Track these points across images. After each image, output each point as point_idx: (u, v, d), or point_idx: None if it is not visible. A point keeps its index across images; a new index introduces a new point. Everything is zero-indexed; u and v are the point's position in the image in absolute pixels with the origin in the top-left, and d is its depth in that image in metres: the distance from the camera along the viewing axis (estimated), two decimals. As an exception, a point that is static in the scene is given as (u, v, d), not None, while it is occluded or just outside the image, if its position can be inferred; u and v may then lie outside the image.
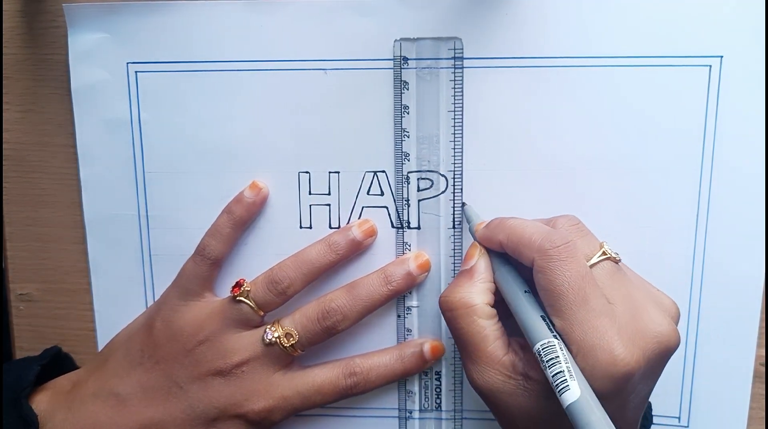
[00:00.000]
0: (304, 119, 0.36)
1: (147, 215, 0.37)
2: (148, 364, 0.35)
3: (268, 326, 0.35)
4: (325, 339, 0.35)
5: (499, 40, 0.34)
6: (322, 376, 0.35)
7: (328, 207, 0.37)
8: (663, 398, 0.37)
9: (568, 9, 0.34)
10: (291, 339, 0.34)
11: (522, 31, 0.34)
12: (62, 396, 0.35)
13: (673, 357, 0.36)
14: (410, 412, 0.38)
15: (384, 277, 0.35)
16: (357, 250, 0.36)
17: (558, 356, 0.27)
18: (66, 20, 0.35)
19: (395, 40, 0.34)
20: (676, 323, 0.30)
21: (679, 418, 0.37)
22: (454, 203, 0.36)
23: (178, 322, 0.35)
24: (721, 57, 0.34)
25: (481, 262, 0.32)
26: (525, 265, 0.30)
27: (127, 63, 0.36)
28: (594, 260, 0.30)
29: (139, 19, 0.35)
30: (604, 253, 0.30)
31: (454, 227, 0.36)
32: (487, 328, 0.30)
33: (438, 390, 0.37)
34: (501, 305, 0.31)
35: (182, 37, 0.35)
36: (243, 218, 0.36)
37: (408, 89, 0.35)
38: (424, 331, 0.37)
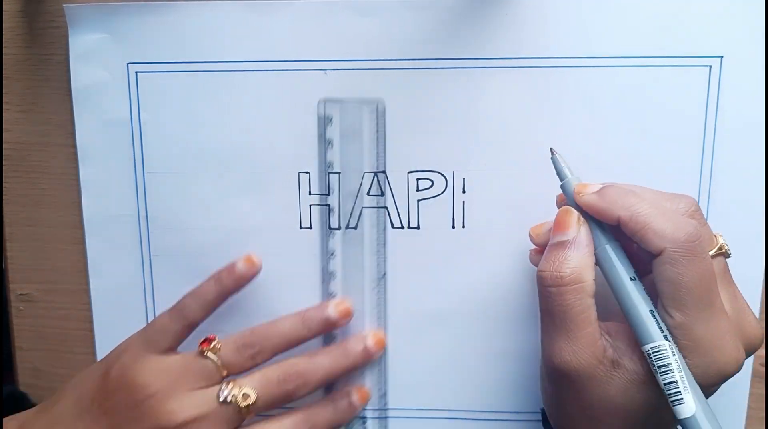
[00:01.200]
0: (304, 119, 0.36)
1: (147, 215, 0.37)
2: (96, 413, 0.33)
3: (225, 384, 0.33)
4: (282, 404, 0.34)
5: (499, 40, 0.34)
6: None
7: (328, 207, 0.37)
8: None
9: (568, 9, 0.34)
10: (248, 399, 0.33)
11: (522, 31, 0.34)
12: None
13: (673, 357, 0.36)
14: None
15: (344, 350, 0.36)
16: (330, 329, 0.36)
17: (671, 363, 0.27)
18: (66, 20, 0.35)
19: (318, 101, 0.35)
20: None
21: (679, 418, 0.37)
22: (453, 203, 0.36)
23: (133, 372, 0.33)
24: (721, 57, 0.34)
25: (583, 231, 0.29)
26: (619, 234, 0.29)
27: (128, 63, 0.36)
28: (711, 253, 0.29)
29: (139, 19, 0.35)
30: (720, 248, 0.29)
31: (454, 227, 0.36)
32: (591, 308, 0.28)
33: None
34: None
35: (182, 37, 0.35)
36: (229, 289, 0.35)
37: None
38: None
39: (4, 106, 0.37)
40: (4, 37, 0.37)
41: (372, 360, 0.37)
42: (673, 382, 0.26)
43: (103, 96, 0.36)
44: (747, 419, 0.37)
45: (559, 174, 0.31)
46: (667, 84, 0.34)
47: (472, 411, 0.38)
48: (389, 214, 0.36)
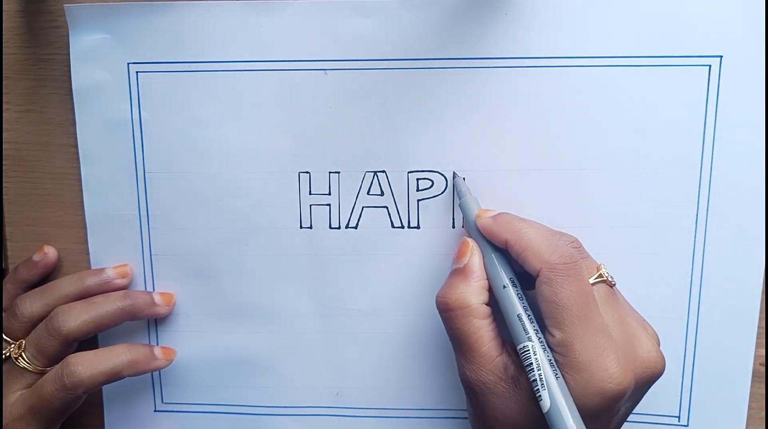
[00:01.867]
0: (304, 119, 0.36)
1: (147, 215, 0.37)
2: None
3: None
4: (55, 345, 0.35)
5: (499, 40, 0.34)
6: (42, 381, 0.35)
7: (328, 207, 0.37)
8: (663, 398, 0.37)
9: (568, 9, 0.34)
10: (21, 348, 0.35)
11: (522, 31, 0.34)
12: None
13: (672, 357, 0.37)
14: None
15: (124, 293, 0.36)
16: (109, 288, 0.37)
17: (532, 362, 0.28)
18: (67, 20, 0.35)
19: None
20: None
21: (678, 417, 0.37)
22: (453, 204, 0.36)
23: None
24: (721, 57, 0.34)
25: (474, 259, 0.32)
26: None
27: (128, 63, 0.36)
28: (591, 281, 0.30)
29: (139, 19, 0.35)
30: (600, 276, 0.31)
31: (454, 227, 0.36)
32: (483, 329, 0.30)
33: None
34: (495, 301, 0.31)
35: (182, 37, 0.35)
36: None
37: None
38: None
39: (4, 106, 0.37)
40: (4, 37, 0.37)
41: (154, 311, 0.37)
42: (534, 379, 0.28)
43: (103, 96, 0.36)
44: (747, 419, 0.37)
45: (459, 196, 0.34)
46: (667, 84, 0.34)
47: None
48: (389, 214, 0.36)
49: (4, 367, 0.35)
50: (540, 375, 0.28)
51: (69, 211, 0.38)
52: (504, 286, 0.30)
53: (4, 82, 0.37)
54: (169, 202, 0.37)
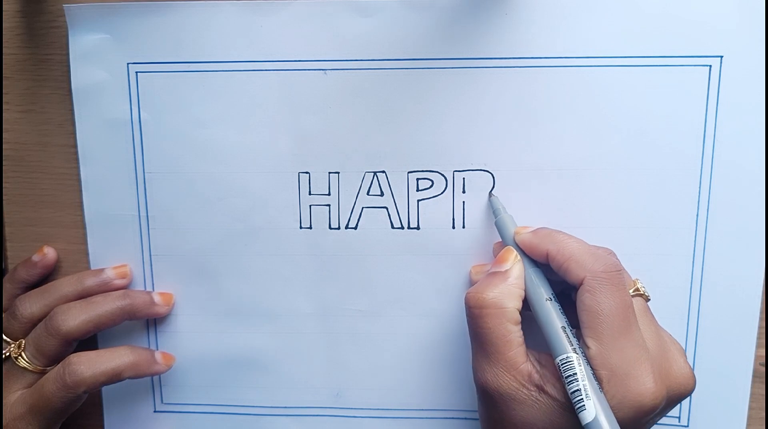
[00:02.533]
0: (304, 119, 0.36)
1: (147, 215, 0.37)
2: None
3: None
4: (55, 344, 0.35)
5: (499, 40, 0.34)
6: (44, 379, 0.35)
7: (328, 207, 0.37)
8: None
9: (567, 9, 0.34)
10: (21, 345, 0.35)
11: (522, 31, 0.34)
12: None
13: (673, 357, 0.36)
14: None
15: (123, 292, 0.36)
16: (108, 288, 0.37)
17: (576, 373, 0.28)
18: (66, 20, 0.35)
19: None
20: None
21: (679, 417, 0.37)
22: (453, 203, 0.36)
23: None
24: (721, 57, 0.34)
25: (516, 267, 0.31)
26: (552, 277, 0.31)
27: (128, 63, 0.36)
28: (630, 292, 0.30)
29: (139, 19, 0.35)
30: (637, 290, 0.31)
31: (453, 227, 0.36)
32: (513, 333, 0.30)
33: None
34: (524, 314, 0.31)
35: (182, 37, 0.35)
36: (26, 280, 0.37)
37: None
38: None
39: (4, 106, 0.37)
40: (4, 37, 0.37)
41: (155, 311, 0.37)
42: (577, 390, 0.27)
43: (103, 96, 0.36)
44: (747, 419, 0.37)
45: (495, 214, 0.35)
46: (667, 84, 0.34)
47: (471, 411, 0.38)
48: (389, 214, 0.36)
49: (4, 367, 0.35)
50: (585, 386, 0.27)
51: (68, 212, 0.38)
52: (548, 299, 0.30)
53: (4, 82, 0.37)
54: (169, 202, 0.37)
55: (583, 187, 0.35)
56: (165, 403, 0.39)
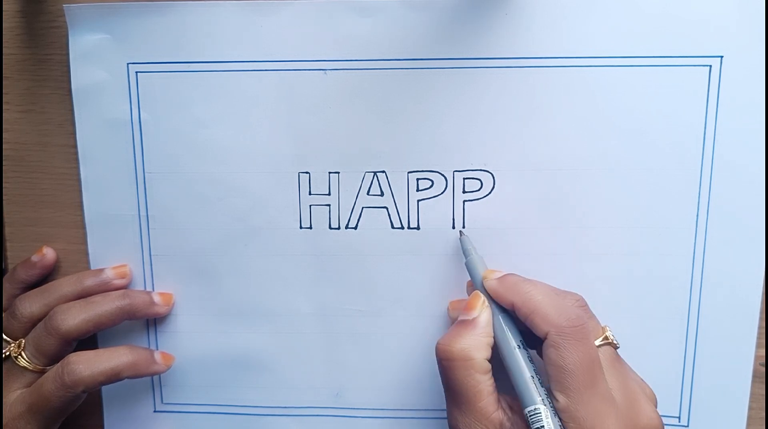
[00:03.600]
0: (304, 119, 0.36)
1: (147, 215, 0.37)
2: None
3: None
4: (54, 343, 0.35)
5: (499, 40, 0.34)
6: (43, 379, 0.34)
7: (328, 207, 0.37)
8: (663, 398, 0.37)
9: (567, 9, 0.34)
10: (20, 345, 0.35)
11: (521, 31, 0.34)
12: None
13: (672, 357, 0.37)
14: None
15: (123, 292, 0.36)
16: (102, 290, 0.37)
17: (543, 426, 0.28)
18: (66, 21, 0.35)
19: None
20: None
21: (679, 417, 0.37)
22: (453, 203, 0.36)
23: None
24: (721, 57, 0.34)
25: (483, 315, 0.31)
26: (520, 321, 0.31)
27: (128, 63, 0.36)
28: (597, 344, 0.30)
29: (139, 19, 0.35)
30: (606, 339, 0.31)
31: (454, 227, 0.36)
32: (482, 383, 0.30)
33: None
34: (494, 357, 0.31)
35: (182, 37, 0.35)
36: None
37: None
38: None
39: (4, 106, 0.37)
40: (4, 37, 0.37)
41: (154, 310, 0.37)
42: None
43: (103, 96, 0.36)
44: (747, 419, 0.37)
45: (466, 254, 0.35)
46: (667, 84, 0.34)
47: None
48: (389, 214, 0.36)
49: (4, 366, 0.35)
50: None
51: (68, 212, 0.38)
52: (515, 347, 0.30)
53: (4, 82, 0.37)
54: (169, 202, 0.37)
55: (583, 187, 0.35)
56: (165, 403, 0.39)
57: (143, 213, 0.37)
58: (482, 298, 0.32)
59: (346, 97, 0.35)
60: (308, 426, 0.39)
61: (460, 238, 0.35)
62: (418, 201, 0.36)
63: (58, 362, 0.35)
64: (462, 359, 0.30)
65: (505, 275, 0.32)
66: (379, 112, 0.35)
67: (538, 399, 0.29)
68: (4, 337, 0.36)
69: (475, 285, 0.33)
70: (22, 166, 0.38)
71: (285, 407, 0.39)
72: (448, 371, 0.30)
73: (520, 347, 0.30)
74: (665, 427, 0.37)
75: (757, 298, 0.36)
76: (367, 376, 0.38)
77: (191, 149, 0.36)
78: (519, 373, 0.30)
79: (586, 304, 0.32)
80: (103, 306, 0.36)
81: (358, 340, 0.38)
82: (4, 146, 0.38)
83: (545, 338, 0.29)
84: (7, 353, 0.35)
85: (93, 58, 0.36)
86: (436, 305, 0.37)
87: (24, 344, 0.35)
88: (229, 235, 0.37)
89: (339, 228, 0.37)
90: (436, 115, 0.35)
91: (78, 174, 0.37)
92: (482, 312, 0.31)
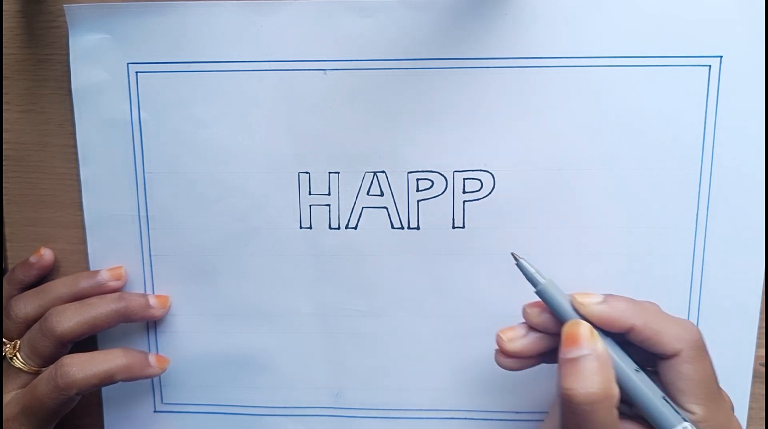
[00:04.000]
0: (304, 119, 0.36)
1: (147, 215, 0.37)
2: None
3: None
4: (48, 345, 0.35)
5: (499, 40, 0.34)
6: (37, 380, 0.34)
7: (328, 207, 0.37)
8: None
9: (567, 9, 0.34)
10: (15, 348, 0.35)
11: (522, 31, 0.34)
12: None
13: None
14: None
15: (119, 295, 0.36)
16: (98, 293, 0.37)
17: None
18: (67, 21, 0.35)
19: None
20: None
21: (679, 418, 0.37)
22: (454, 203, 0.36)
23: None
24: (721, 57, 0.34)
25: (600, 344, 0.29)
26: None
27: (128, 63, 0.36)
28: None
29: (139, 19, 0.35)
30: None
31: (454, 227, 0.36)
32: (617, 419, 0.28)
33: None
34: None
35: (182, 37, 0.35)
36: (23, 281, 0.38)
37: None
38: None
39: (4, 106, 0.37)
40: (4, 37, 0.37)
41: (149, 313, 0.37)
42: None
43: (103, 96, 0.36)
44: (747, 419, 0.37)
45: (531, 280, 0.31)
46: (666, 84, 0.34)
47: (471, 411, 0.38)
48: (389, 214, 0.36)
49: (4, 366, 0.35)
50: None
51: (68, 212, 0.38)
52: (637, 370, 0.30)
53: (4, 82, 0.37)
54: (169, 203, 0.37)
55: (583, 187, 0.35)
56: (165, 403, 0.39)
57: (143, 213, 0.37)
58: (586, 325, 0.29)
59: (346, 97, 0.35)
60: (308, 426, 0.39)
61: (517, 264, 0.32)
62: (418, 201, 0.36)
63: (52, 363, 0.35)
64: (607, 398, 0.27)
65: (610, 299, 0.30)
66: (379, 112, 0.35)
67: (679, 417, 0.28)
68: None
69: (563, 313, 0.30)
70: (22, 166, 0.38)
71: (285, 407, 0.39)
72: (590, 415, 0.27)
73: (639, 370, 0.30)
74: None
75: (757, 298, 0.36)
76: (367, 376, 0.38)
77: (191, 149, 0.36)
78: (650, 397, 0.29)
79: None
80: (99, 308, 0.36)
81: (358, 340, 0.38)
82: (4, 146, 0.38)
83: (675, 355, 0.29)
84: (2, 354, 0.35)
85: (93, 58, 0.36)
86: (436, 305, 0.37)
87: (19, 345, 0.35)
88: (229, 235, 0.37)
89: (339, 228, 0.37)
90: (436, 115, 0.35)
91: (78, 174, 0.37)
92: (597, 342, 0.29)
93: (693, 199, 0.35)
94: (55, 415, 0.34)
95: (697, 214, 0.35)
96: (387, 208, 0.36)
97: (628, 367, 0.29)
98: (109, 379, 0.35)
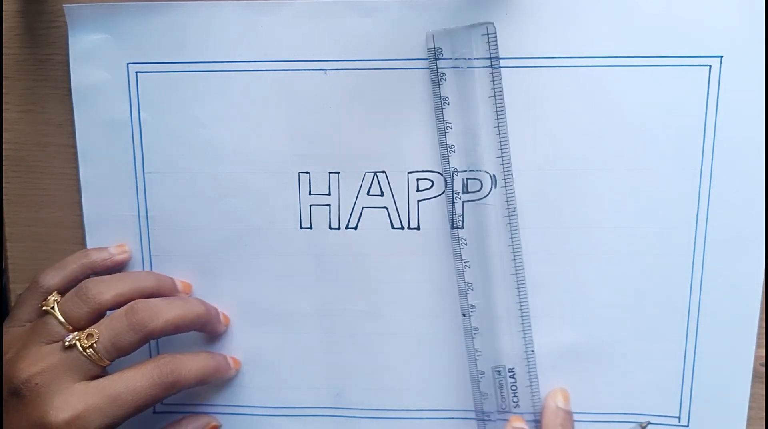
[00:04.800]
0: (304, 119, 0.36)
1: (147, 215, 0.37)
2: None
3: (71, 333, 0.32)
4: (135, 340, 0.32)
5: (499, 40, 0.34)
6: (132, 374, 0.32)
7: (328, 207, 0.37)
8: (663, 398, 0.37)
9: (567, 9, 0.34)
10: (91, 339, 0.32)
11: (521, 32, 0.34)
12: None
13: (673, 357, 0.37)
14: (488, 414, 0.37)
15: (200, 301, 0.36)
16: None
17: None
18: (66, 21, 0.35)
19: (427, 33, 0.34)
20: None
21: (679, 417, 0.37)
22: (453, 204, 0.36)
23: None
24: (721, 57, 0.34)
25: None
26: None
27: (127, 63, 0.36)
28: None
29: (139, 19, 0.35)
30: None
31: (453, 227, 0.36)
32: None
33: (514, 388, 0.37)
34: None
35: (182, 37, 0.35)
36: (92, 267, 0.36)
37: (446, 80, 0.34)
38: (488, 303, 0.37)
39: (4, 106, 0.37)
40: (4, 37, 0.37)
41: (217, 324, 0.37)
42: None
43: (103, 96, 0.36)
44: (747, 420, 0.37)
45: None
46: (667, 84, 0.34)
47: (471, 411, 0.38)
48: (389, 215, 0.36)
49: (63, 355, 0.32)
50: None
51: (68, 212, 0.38)
52: None
53: (4, 82, 0.37)
54: (169, 203, 0.37)
55: (583, 187, 0.35)
56: (165, 404, 0.39)
57: (143, 213, 0.37)
58: None
59: (346, 97, 0.35)
60: (308, 426, 0.39)
61: None
62: (418, 201, 0.36)
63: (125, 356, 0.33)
64: None
65: None
66: (379, 112, 0.35)
67: None
68: (62, 320, 0.33)
69: None
70: (22, 166, 0.38)
71: (285, 407, 0.39)
72: None
73: None
74: (665, 427, 0.37)
75: (757, 298, 0.36)
76: (367, 376, 0.38)
77: (191, 149, 0.36)
78: None
79: None
80: (189, 307, 0.35)
81: (358, 340, 0.38)
82: (4, 146, 0.38)
83: None
84: (72, 342, 0.32)
85: (93, 58, 0.36)
86: (436, 305, 0.37)
87: (99, 336, 0.32)
88: (229, 235, 0.37)
89: (339, 228, 0.37)
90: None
91: (78, 174, 0.37)
92: None
93: (693, 199, 0.35)
94: (137, 412, 0.33)
95: (697, 214, 0.35)
96: (387, 208, 0.36)
97: None
98: (203, 382, 0.35)
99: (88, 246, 0.38)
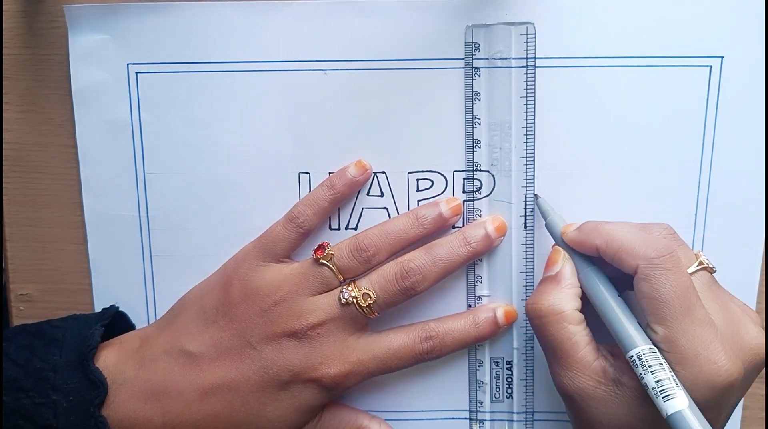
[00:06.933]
0: (304, 119, 0.36)
1: (147, 215, 0.37)
2: (221, 323, 0.34)
3: (345, 286, 0.34)
4: (402, 300, 0.34)
5: (499, 41, 0.34)
6: (398, 340, 0.34)
7: (328, 207, 0.37)
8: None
9: (567, 9, 0.34)
10: (368, 299, 0.33)
11: (522, 32, 0.34)
12: (131, 353, 0.34)
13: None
14: (481, 403, 0.38)
15: (463, 238, 0.35)
16: (443, 226, 0.35)
17: (662, 363, 0.27)
18: (66, 21, 0.35)
19: (466, 27, 0.34)
20: None
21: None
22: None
23: (255, 282, 0.34)
24: (722, 57, 0.34)
25: (566, 267, 0.32)
26: (607, 268, 0.30)
27: (128, 64, 0.36)
28: (692, 270, 0.30)
29: (139, 19, 0.35)
30: (701, 264, 0.30)
31: (453, 227, 0.36)
32: (577, 334, 0.30)
33: (509, 380, 0.37)
34: (585, 309, 0.31)
35: (182, 38, 0.35)
36: (343, 194, 0.35)
37: (479, 76, 0.35)
38: (496, 297, 0.37)
39: (4, 106, 0.37)
40: (4, 37, 0.37)
41: (492, 247, 0.35)
42: (665, 379, 0.27)
43: (103, 96, 0.36)
44: (747, 419, 0.37)
45: (544, 216, 0.34)
46: (667, 84, 0.34)
47: (470, 411, 0.38)
48: (389, 215, 0.36)
49: (342, 310, 0.34)
50: (673, 375, 0.27)
51: (68, 212, 0.38)
52: (608, 296, 0.30)
53: (4, 82, 0.37)
54: (169, 203, 0.37)
55: (584, 187, 0.35)
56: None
57: (143, 213, 0.37)
58: (562, 251, 0.32)
59: (346, 97, 0.35)
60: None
61: (536, 202, 0.35)
62: (418, 201, 0.36)
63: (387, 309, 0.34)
64: (552, 314, 0.30)
65: (584, 223, 0.32)
66: (379, 112, 0.35)
67: (641, 339, 0.28)
68: (336, 273, 0.34)
69: (556, 243, 0.33)
70: (22, 166, 0.38)
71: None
72: (541, 329, 0.30)
73: (610, 293, 0.30)
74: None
75: (754, 298, 0.36)
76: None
77: (191, 149, 0.36)
78: (614, 318, 0.29)
79: (675, 232, 0.31)
80: (452, 261, 0.34)
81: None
82: (4, 146, 0.38)
83: (635, 273, 0.29)
84: (350, 299, 0.33)
85: (93, 58, 0.36)
86: (436, 305, 0.37)
87: (375, 297, 0.33)
88: (229, 235, 0.37)
89: (339, 228, 0.37)
90: (436, 115, 0.35)
91: (78, 174, 0.37)
92: (564, 264, 0.32)
93: (692, 198, 0.35)
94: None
95: (696, 214, 0.35)
96: (387, 209, 0.36)
97: (608, 291, 0.30)
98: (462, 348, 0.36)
99: (89, 246, 0.38)
